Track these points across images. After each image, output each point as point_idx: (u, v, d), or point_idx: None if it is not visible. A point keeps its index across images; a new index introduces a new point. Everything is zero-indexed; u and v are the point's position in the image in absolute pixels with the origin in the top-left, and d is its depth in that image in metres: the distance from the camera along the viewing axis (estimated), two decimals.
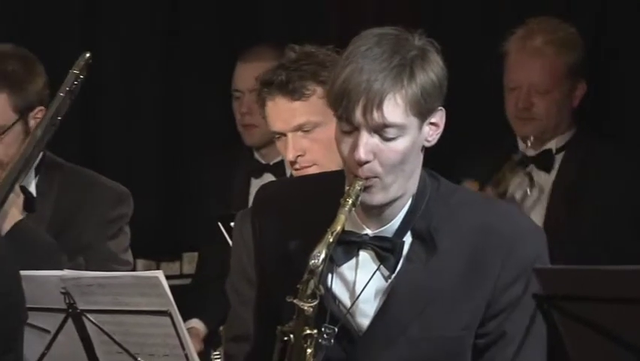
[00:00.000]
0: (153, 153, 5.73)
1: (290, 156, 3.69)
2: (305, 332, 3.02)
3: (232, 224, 4.27)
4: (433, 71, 3.02)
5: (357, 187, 2.99)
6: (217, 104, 5.52)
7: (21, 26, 5.44)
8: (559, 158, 4.72)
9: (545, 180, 4.71)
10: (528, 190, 4.66)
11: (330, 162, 3.53)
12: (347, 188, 3.00)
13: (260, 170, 5.23)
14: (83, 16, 5.60)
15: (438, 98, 3.04)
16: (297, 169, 3.71)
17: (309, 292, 2.99)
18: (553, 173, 4.72)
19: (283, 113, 3.69)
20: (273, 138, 4.54)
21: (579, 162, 4.69)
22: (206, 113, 5.65)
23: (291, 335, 3.03)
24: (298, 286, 3.00)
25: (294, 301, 2.99)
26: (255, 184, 5.11)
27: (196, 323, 4.95)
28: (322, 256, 2.95)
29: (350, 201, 2.97)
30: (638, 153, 4.64)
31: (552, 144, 4.72)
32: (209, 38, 5.70)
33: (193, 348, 3.66)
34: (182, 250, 5.42)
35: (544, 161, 4.71)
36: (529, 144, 4.70)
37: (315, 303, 2.98)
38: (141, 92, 5.71)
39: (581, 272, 2.87)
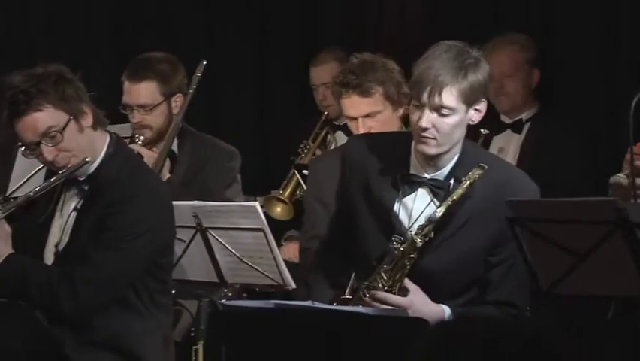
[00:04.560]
0: (251, 123, 5.86)
1: (361, 132, 3.96)
2: (410, 255, 3.27)
3: (304, 171, 4.61)
4: (481, 74, 3.27)
5: (476, 175, 3.22)
6: (295, 88, 5.68)
7: (168, 40, 5.57)
8: (527, 126, 4.96)
9: (517, 140, 4.94)
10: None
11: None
12: (469, 174, 3.23)
13: (334, 128, 5.32)
14: (204, 33, 5.81)
15: (482, 93, 3.30)
16: None
17: (424, 232, 3.25)
18: (522, 137, 4.94)
19: (357, 105, 3.97)
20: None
21: (540, 132, 4.90)
22: (287, 93, 5.79)
23: (401, 254, 3.26)
24: (419, 225, 3.24)
25: (413, 235, 3.24)
26: (331, 139, 5.28)
27: (294, 232, 4.96)
28: (440, 213, 3.23)
29: (468, 182, 3.24)
30: (576, 130, 4.86)
31: (523, 116, 4.97)
32: (291, 38, 5.79)
33: (279, 253, 3.87)
34: (271, 188, 5.39)
35: (516, 126, 4.97)
36: (507, 120, 4.95)
37: (425, 240, 3.24)
38: (242, 82, 5.83)
39: (537, 202, 3.28)
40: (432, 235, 3.24)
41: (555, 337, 1.93)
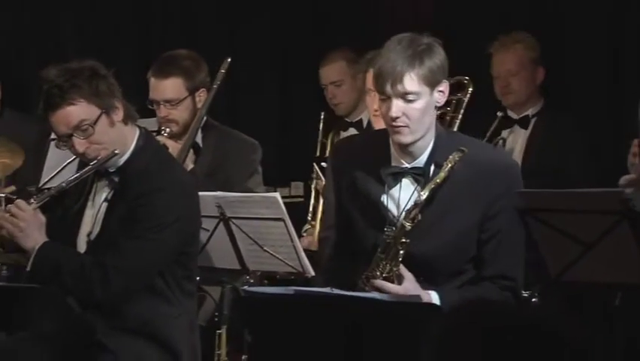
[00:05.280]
0: (272, 117, 5.95)
1: (374, 107, 3.89)
2: (402, 240, 3.33)
3: (322, 164, 4.70)
4: (436, 57, 3.32)
5: (456, 158, 3.26)
6: (314, 81, 5.63)
7: (191, 39, 5.63)
8: (533, 121, 5.04)
9: (523, 135, 5.02)
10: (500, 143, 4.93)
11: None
12: (449, 158, 3.28)
13: (346, 125, 5.41)
14: (226, 29, 5.93)
15: (441, 74, 3.33)
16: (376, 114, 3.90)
17: (411, 216, 3.30)
18: (528, 131, 5.02)
19: None
20: (352, 108, 5.12)
21: (545, 126, 4.97)
22: (306, 86, 5.80)
23: (393, 240, 3.32)
24: (406, 209, 3.29)
25: (402, 220, 3.29)
26: (343, 135, 5.32)
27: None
28: (424, 196, 3.28)
29: (450, 165, 3.29)
30: (581, 125, 4.93)
31: (529, 111, 5.06)
32: (310, 35, 5.90)
33: (298, 241, 3.92)
34: (290, 180, 5.56)
35: (523, 122, 5.05)
36: (514, 116, 5.04)
37: (413, 224, 3.28)
38: (262, 75, 5.94)
39: (546, 193, 3.31)
40: (419, 217, 3.27)
41: (562, 323, 1.92)
